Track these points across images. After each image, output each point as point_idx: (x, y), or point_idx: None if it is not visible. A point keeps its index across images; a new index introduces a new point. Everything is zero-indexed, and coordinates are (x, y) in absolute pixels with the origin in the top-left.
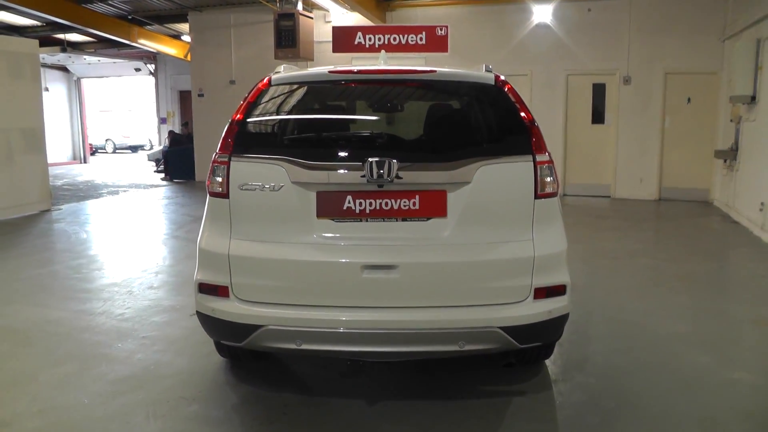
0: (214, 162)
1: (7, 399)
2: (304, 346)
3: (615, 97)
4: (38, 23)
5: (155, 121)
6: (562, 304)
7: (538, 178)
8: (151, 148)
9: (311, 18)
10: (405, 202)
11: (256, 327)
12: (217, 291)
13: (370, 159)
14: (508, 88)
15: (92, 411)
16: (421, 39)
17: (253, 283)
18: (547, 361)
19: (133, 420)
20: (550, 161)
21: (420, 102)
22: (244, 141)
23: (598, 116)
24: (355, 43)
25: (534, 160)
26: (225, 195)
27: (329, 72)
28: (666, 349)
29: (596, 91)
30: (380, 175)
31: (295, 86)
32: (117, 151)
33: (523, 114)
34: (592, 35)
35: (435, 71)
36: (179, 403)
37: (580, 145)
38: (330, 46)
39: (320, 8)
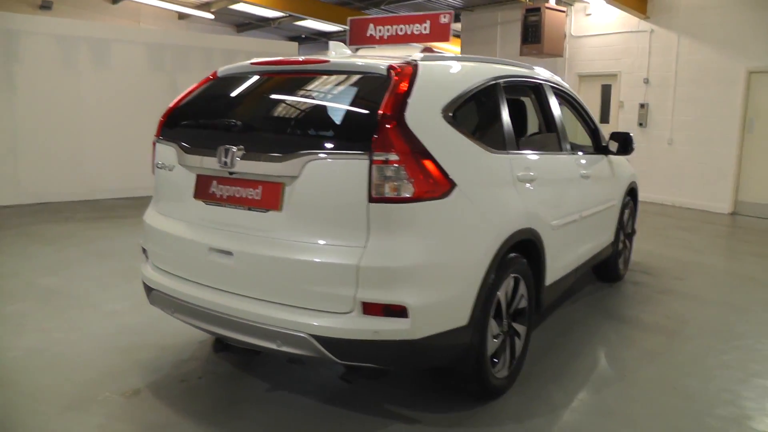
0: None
1: (76, 317)
2: (176, 315)
3: None
4: (340, 29)
5: None
6: (398, 327)
7: (374, 180)
8: None
9: (562, 11)
10: (250, 191)
11: (151, 289)
12: (145, 254)
13: (220, 146)
14: (397, 80)
15: (98, 340)
16: (425, 28)
17: (154, 250)
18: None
19: (112, 345)
20: (403, 161)
21: (307, 91)
22: (167, 125)
23: None
24: (368, 35)
25: (370, 159)
26: (153, 172)
27: (251, 64)
28: None
29: None
30: (225, 163)
31: (234, 78)
32: None
33: (382, 107)
34: None
35: (328, 61)
36: (155, 347)
37: None
38: (590, 40)
39: (581, 1)
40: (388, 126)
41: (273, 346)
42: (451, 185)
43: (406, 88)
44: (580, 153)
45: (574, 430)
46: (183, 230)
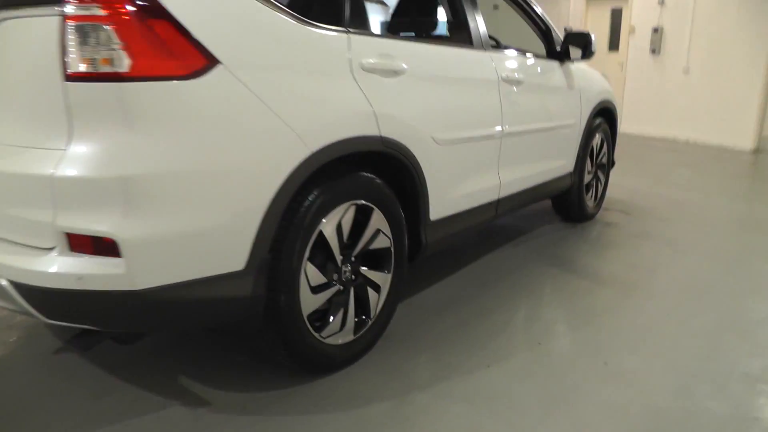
0: None
1: None
2: None
3: None
4: None
5: None
6: (108, 272)
7: (69, 47)
8: None
9: None
10: None
11: None
12: None
13: None
14: None
15: None
16: None
17: None
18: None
19: None
20: (113, 18)
21: None
22: None
23: None
24: None
25: (62, 15)
26: None
27: None
28: None
29: None
30: None
31: None
32: None
33: None
34: None
35: None
36: None
37: None
38: None
39: None
40: None
41: None
42: (209, 62)
43: None
44: (513, 53)
45: (416, 418)
46: None
